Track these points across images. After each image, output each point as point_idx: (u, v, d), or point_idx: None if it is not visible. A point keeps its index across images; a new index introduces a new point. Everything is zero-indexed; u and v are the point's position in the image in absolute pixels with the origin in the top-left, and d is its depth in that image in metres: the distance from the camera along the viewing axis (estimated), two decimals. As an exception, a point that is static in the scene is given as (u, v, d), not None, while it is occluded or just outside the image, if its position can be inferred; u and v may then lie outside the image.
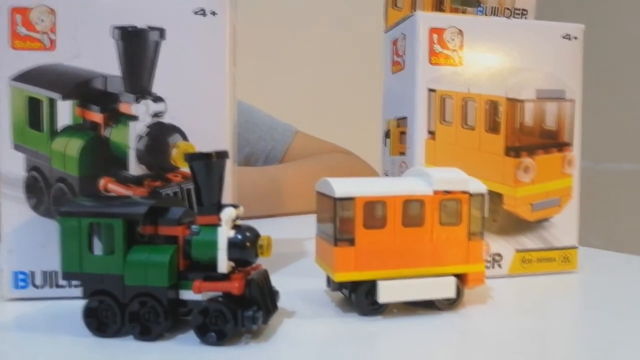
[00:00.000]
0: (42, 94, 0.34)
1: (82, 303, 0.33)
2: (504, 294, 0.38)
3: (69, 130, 0.35)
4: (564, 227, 0.43)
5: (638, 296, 0.37)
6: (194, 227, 0.29)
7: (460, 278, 0.33)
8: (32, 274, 0.34)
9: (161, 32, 0.35)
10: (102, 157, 0.35)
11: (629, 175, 1.34)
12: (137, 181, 0.35)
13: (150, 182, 0.35)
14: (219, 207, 0.29)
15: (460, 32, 0.40)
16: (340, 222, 0.31)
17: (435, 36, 0.40)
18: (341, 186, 0.32)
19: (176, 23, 0.35)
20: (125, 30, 0.34)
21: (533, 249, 0.43)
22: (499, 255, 0.42)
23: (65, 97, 0.34)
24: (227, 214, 0.28)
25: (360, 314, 0.32)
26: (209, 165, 0.29)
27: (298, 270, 0.45)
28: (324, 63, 1.49)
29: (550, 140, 0.43)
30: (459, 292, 0.33)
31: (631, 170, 1.32)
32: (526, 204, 0.42)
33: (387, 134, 0.45)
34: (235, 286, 0.27)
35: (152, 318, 0.28)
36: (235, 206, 0.29)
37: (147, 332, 0.28)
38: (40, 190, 0.35)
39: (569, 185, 0.44)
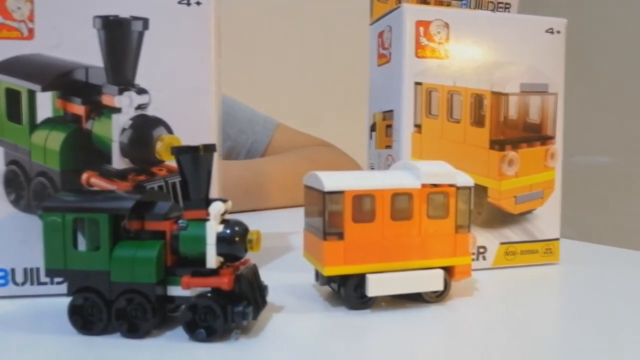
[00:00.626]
0: (20, 85, 0.33)
1: (65, 300, 0.32)
2: (489, 286, 0.38)
3: (49, 123, 0.34)
4: (546, 219, 0.44)
5: (618, 286, 0.38)
6: (181, 222, 0.29)
7: (448, 271, 0.34)
8: (13, 271, 0.33)
9: (144, 21, 0.34)
10: (84, 150, 0.34)
11: (599, 168, 1.37)
12: (121, 175, 0.34)
13: (135, 176, 0.34)
14: (207, 201, 0.29)
15: (446, 25, 0.40)
16: (329, 216, 0.31)
17: (421, 29, 0.40)
18: (330, 180, 0.31)
19: (160, 13, 0.34)
20: (107, 19, 0.34)
21: (517, 242, 0.43)
22: (484, 247, 0.42)
23: (45, 88, 0.33)
24: (216, 209, 0.28)
25: (349, 307, 0.32)
26: (196, 159, 0.28)
27: (284, 264, 0.44)
28: (306, 55, 1.49)
29: (534, 134, 0.43)
30: (446, 284, 0.34)
31: (602, 163, 1.35)
32: (510, 197, 0.43)
33: (372, 127, 0.45)
34: (225, 282, 0.27)
35: (140, 315, 0.27)
36: (223, 200, 0.29)
37: (134, 330, 0.27)
38: (20, 184, 0.34)
39: (552, 178, 0.44)
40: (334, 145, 1.00)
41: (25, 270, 0.34)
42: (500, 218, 0.43)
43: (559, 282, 0.40)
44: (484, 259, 0.42)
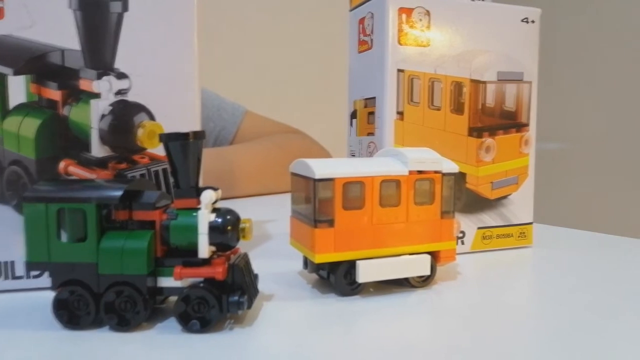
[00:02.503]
0: (-10, 68, 0.31)
1: (44, 295, 0.31)
2: (469, 269, 0.39)
3: (22, 109, 0.32)
4: (520, 204, 0.45)
5: (587, 266, 0.40)
6: (171, 211, 0.28)
7: (433, 255, 0.34)
8: (-15, 264, 0.32)
9: (124, 2, 0.33)
10: (61, 137, 0.33)
11: (551, 154, 1.42)
12: (101, 163, 0.33)
13: (115, 164, 0.33)
14: (197, 189, 0.28)
15: (428, 12, 0.41)
16: (320, 204, 0.31)
17: (404, 16, 0.40)
18: (320, 167, 0.31)
19: (140, -6, 0.33)
20: None
21: (493, 226, 0.44)
22: (462, 232, 0.43)
23: (17, 72, 0.32)
24: (207, 197, 0.27)
25: (339, 294, 0.32)
26: (185, 146, 0.28)
27: (266, 252, 0.44)
28: (273, 42, 1.46)
29: (509, 121, 0.44)
30: (433, 269, 0.34)
31: (554, 149, 1.40)
32: (487, 183, 0.44)
33: (353, 115, 0.45)
34: (219, 271, 0.26)
35: (130, 308, 0.26)
36: (214, 188, 0.28)
37: (124, 323, 0.26)
38: (-8, 174, 0.32)
39: (526, 164, 0.45)
40: (303, 132, 0.99)
41: (-2, 263, 0.32)
42: (477, 203, 0.44)
43: (533, 265, 0.42)
44: (463, 243, 0.43)
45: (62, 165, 0.32)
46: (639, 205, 1.20)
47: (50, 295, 0.29)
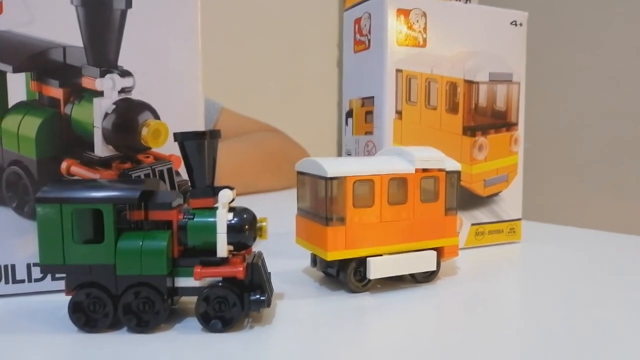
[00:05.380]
0: (-11, 64, 0.30)
1: (47, 298, 0.30)
2: (466, 265, 0.40)
3: (22, 107, 0.31)
4: (510, 201, 0.47)
5: (573, 260, 0.41)
6: (187, 210, 0.27)
7: (437, 251, 0.35)
8: (-16, 269, 0.30)
9: (127, -1, 0.32)
10: (63, 137, 0.32)
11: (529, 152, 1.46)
12: (104, 163, 0.32)
13: (119, 164, 0.32)
14: (213, 189, 0.28)
15: (424, 14, 0.42)
16: (332, 202, 0.31)
17: (402, 17, 0.41)
18: (332, 166, 0.31)
19: (144, -9, 0.32)
20: (87, -5, 0.31)
21: (485, 222, 0.46)
22: (456, 229, 0.44)
23: (17, 69, 0.30)
24: (226, 196, 0.27)
25: (349, 291, 0.33)
26: (202, 145, 0.27)
27: (265, 251, 0.44)
28: (250, 37, 1.44)
29: (500, 120, 0.46)
30: (438, 264, 0.35)
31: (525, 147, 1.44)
32: (480, 180, 0.45)
33: (349, 114, 0.45)
34: (240, 270, 0.26)
35: (148, 309, 0.26)
36: (230, 187, 0.28)
37: (144, 324, 0.26)
38: (-9, 174, 0.31)
39: (515, 162, 0.47)
40: (280, 130, 0.99)
41: (-2, 268, 0.31)
42: (470, 200, 0.45)
43: (524, 259, 0.43)
44: (457, 239, 0.44)
45: (64, 165, 0.31)
46: (613, 202, 1.25)
47: (55, 298, 0.28)
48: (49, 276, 0.31)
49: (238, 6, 1.39)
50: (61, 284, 0.31)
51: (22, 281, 0.31)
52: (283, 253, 0.42)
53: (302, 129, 1.14)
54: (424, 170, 0.34)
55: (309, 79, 1.53)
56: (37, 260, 0.30)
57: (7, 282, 0.31)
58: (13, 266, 0.31)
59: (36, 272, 0.31)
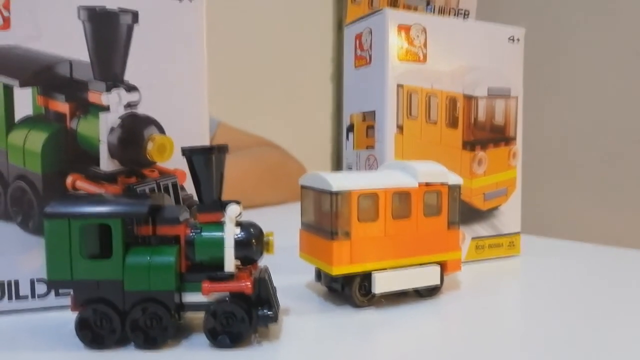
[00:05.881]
0: (-5, 79, 0.30)
1: (49, 315, 0.30)
2: (468, 279, 0.40)
3: (29, 122, 0.31)
4: (509, 214, 0.47)
5: (573, 274, 0.42)
6: (194, 225, 0.27)
7: (440, 265, 0.35)
8: (-13, 285, 0.30)
9: (134, 15, 0.32)
10: (69, 151, 0.32)
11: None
12: (110, 177, 0.32)
13: (124, 178, 0.32)
14: (221, 203, 0.28)
15: (424, 30, 0.42)
16: (337, 216, 0.31)
17: (402, 33, 0.41)
18: (337, 180, 0.32)
19: (150, 7, 0.33)
20: (94, 11, 0.31)
21: (485, 236, 0.46)
22: (457, 242, 0.45)
23: (23, 83, 0.31)
24: (233, 211, 0.27)
25: (354, 306, 0.33)
26: (209, 160, 0.28)
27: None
28: (246, 53, 1.45)
29: (499, 135, 0.46)
30: (441, 279, 0.35)
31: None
32: (479, 194, 0.46)
33: (350, 128, 0.45)
34: (247, 285, 0.26)
35: (155, 325, 0.26)
36: (237, 202, 0.28)
37: (151, 341, 0.26)
38: (-4, 189, 0.30)
39: (514, 177, 0.47)
40: (277, 144, 0.99)
41: (1, 284, 0.30)
42: (470, 214, 0.45)
43: (524, 273, 0.43)
44: (458, 253, 0.45)
45: (69, 179, 0.31)
46: (611, 216, 1.26)
47: (58, 315, 0.28)
48: (52, 292, 0.31)
49: (233, 22, 1.40)
50: (65, 301, 0.31)
51: (26, 297, 0.31)
52: (286, 268, 0.42)
53: (297, 143, 1.15)
54: (427, 184, 0.34)
55: (303, 94, 1.54)
56: (41, 276, 0.30)
57: (10, 298, 0.31)
58: (16, 282, 0.31)
59: (40, 288, 0.31)
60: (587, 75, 1.35)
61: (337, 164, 1.63)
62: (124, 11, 0.32)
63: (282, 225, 0.46)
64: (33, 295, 0.31)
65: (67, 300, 0.31)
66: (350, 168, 0.46)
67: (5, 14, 0.30)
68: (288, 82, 1.51)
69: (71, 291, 0.26)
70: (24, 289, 0.31)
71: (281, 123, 1.39)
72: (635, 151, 1.25)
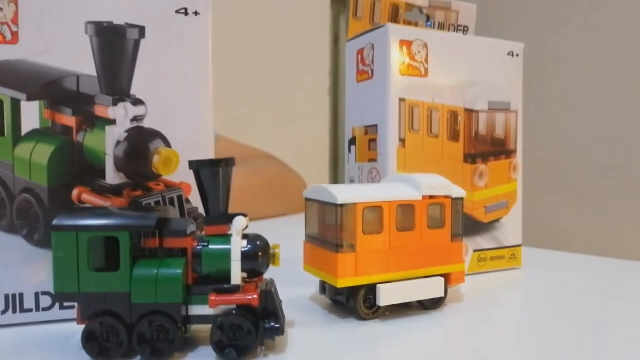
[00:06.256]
0: (3, 93, 0.30)
1: (53, 328, 0.30)
2: (471, 291, 0.40)
3: (35, 135, 0.31)
4: (510, 227, 0.48)
5: (574, 286, 0.42)
6: (201, 237, 0.28)
7: (444, 277, 0.35)
8: (-8, 297, 0.30)
9: (141, 29, 0.33)
10: (75, 164, 0.32)
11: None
12: (115, 190, 0.32)
13: (130, 191, 0.33)
14: (227, 216, 0.28)
15: (425, 45, 0.43)
16: (342, 228, 0.32)
17: (404, 48, 0.42)
18: (342, 192, 0.32)
19: (156, 21, 0.33)
20: (101, 25, 0.32)
21: (487, 248, 0.46)
22: (459, 255, 0.45)
23: (31, 97, 0.31)
24: (240, 224, 0.27)
25: (359, 318, 0.33)
26: (216, 173, 0.28)
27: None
28: (244, 65, 1.46)
29: (499, 148, 0.47)
30: (445, 291, 0.35)
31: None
32: (481, 207, 0.46)
33: (352, 141, 0.46)
34: (254, 298, 0.26)
35: (162, 337, 0.26)
36: (244, 214, 0.28)
37: (158, 353, 0.26)
38: (2, 202, 0.31)
39: (515, 189, 0.48)
40: (276, 157, 1.00)
41: (6, 297, 0.30)
42: (472, 227, 0.46)
43: (526, 285, 0.43)
44: (460, 265, 0.45)
45: (75, 192, 0.31)
46: (611, 228, 1.27)
47: (63, 327, 0.28)
48: (57, 305, 0.31)
49: (231, 36, 1.41)
50: (70, 313, 0.31)
51: (30, 310, 0.31)
52: (289, 280, 0.42)
53: (295, 155, 1.15)
54: (431, 196, 0.35)
55: (301, 106, 1.55)
56: (46, 289, 0.30)
57: (14, 311, 0.30)
58: (21, 295, 0.31)
59: (44, 301, 0.31)
60: (586, 89, 1.36)
61: (335, 176, 1.63)
62: (131, 26, 0.32)
63: (284, 237, 0.46)
64: (37, 308, 0.31)
65: (71, 313, 0.31)
66: (352, 181, 0.46)
67: (14, 28, 0.30)
68: (286, 95, 1.52)
69: (76, 304, 0.26)
70: (29, 302, 0.31)
71: (279, 135, 1.40)
72: (634, 164, 1.26)
